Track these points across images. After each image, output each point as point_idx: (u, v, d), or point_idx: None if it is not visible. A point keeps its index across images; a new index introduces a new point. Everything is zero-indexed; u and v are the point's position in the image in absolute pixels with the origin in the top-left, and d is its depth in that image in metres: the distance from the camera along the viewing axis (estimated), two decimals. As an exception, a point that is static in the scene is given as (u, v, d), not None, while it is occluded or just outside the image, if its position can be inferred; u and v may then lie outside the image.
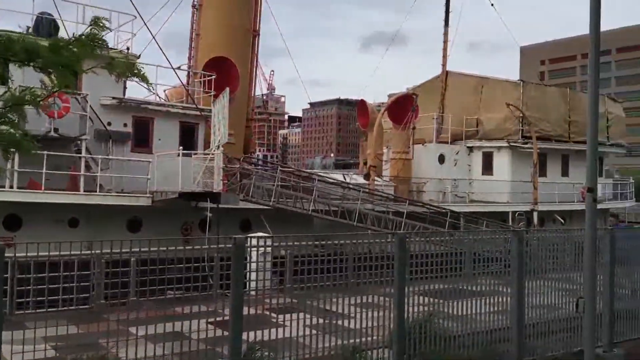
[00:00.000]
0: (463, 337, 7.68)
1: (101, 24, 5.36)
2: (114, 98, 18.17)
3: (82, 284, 8.30)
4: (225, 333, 6.37)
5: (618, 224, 11.98)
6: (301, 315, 7.05)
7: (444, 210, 22.33)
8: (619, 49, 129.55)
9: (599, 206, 30.64)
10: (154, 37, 18.44)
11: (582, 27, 7.05)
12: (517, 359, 7.82)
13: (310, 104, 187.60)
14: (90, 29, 5.32)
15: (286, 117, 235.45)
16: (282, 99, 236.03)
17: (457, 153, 28.49)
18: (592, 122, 7.23)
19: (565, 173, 30.27)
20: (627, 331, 9.89)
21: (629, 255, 10.24)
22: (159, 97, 21.31)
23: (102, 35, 5.37)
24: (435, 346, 7.22)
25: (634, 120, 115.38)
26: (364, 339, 7.19)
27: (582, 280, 7.79)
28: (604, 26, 7.36)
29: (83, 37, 5.27)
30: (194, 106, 19.46)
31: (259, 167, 23.28)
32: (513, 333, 8.11)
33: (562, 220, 27.43)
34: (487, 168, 28.70)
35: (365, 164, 27.29)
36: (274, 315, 7.12)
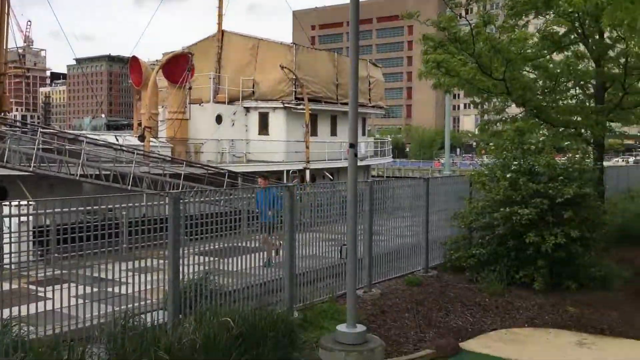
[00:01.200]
0: (238, 291, 7.90)
1: None
2: None
3: None
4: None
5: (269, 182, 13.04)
6: (70, 285, 6.56)
7: (222, 171, 22.49)
8: (379, 18, 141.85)
9: (362, 163, 33.69)
10: None
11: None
12: (289, 307, 8.29)
13: (77, 59, 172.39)
14: None
15: (48, 73, 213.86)
16: (43, 53, 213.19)
17: (234, 113, 28.74)
18: (353, 84, 7.77)
19: (334, 133, 32.45)
20: (383, 272, 11.10)
21: (385, 205, 11.42)
22: None
23: None
24: (211, 302, 7.32)
25: (392, 85, 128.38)
26: (138, 304, 6.98)
27: (345, 229, 8.47)
28: (362, -6, 7.92)
29: None
30: None
31: (16, 128, 20.77)
32: (285, 283, 8.58)
33: (331, 177, 29.54)
34: (264, 128, 29.50)
35: (139, 124, 26.09)
36: (35, 288, 6.52)
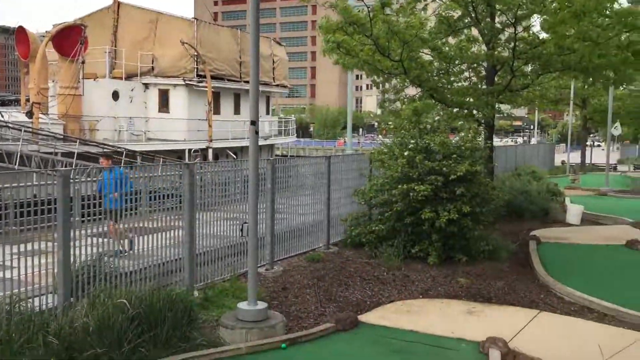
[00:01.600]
0: (135, 272, 7.67)
1: None
2: None
3: None
4: None
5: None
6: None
7: (119, 149, 21.65)
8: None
9: (266, 142, 33.58)
10: None
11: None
12: (189, 286, 8.17)
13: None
14: None
15: None
16: None
17: (132, 90, 27.63)
18: (254, 60, 7.68)
19: (237, 111, 32.05)
20: (285, 250, 11.19)
21: (287, 183, 11.47)
22: None
23: None
24: (105, 284, 7.06)
25: (296, 64, 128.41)
26: (25, 288, 6.60)
27: (247, 207, 8.43)
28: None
29: None
30: None
31: None
32: (185, 262, 8.44)
33: (234, 156, 29.25)
34: (164, 106, 28.60)
35: (27, 100, 24.43)
36: None
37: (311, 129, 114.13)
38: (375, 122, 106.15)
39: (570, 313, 8.82)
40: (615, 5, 12.76)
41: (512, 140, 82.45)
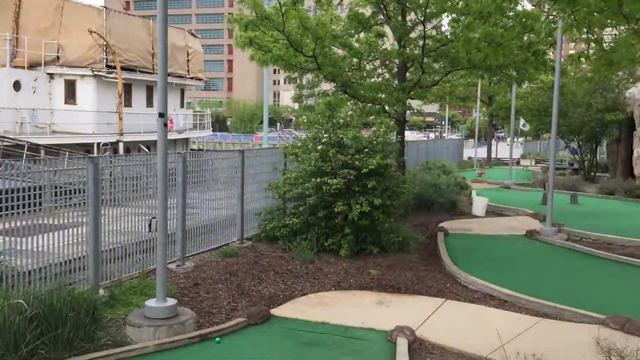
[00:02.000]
0: (34, 272, 7.29)
1: None
2: None
3: None
4: None
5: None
6: None
7: (21, 143, 20.50)
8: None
9: (181, 135, 32.86)
10: None
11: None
12: (93, 285, 7.87)
13: None
14: None
15: None
16: None
17: (35, 80, 26.20)
18: (162, 49, 7.49)
19: (150, 104, 31.12)
20: (197, 245, 11.00)
21: (200, 177, 11.27)
22: None
23: None
24: (1, 284, 6.67)
25: (213, 57, 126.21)
26: None
27: (157, 202, 8.21)
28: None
29: None
30: None
31: None
32: (89, 260, 8.11)
33: (147, 150, 28.42)
34: (71, 97, 27.33)
35: None
36: None
37: (228, 123, 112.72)
38: (293, 116, 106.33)
39: (473, 300, 9.24)
40: (519, 7, 13.47)
41: (424, 136, 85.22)
